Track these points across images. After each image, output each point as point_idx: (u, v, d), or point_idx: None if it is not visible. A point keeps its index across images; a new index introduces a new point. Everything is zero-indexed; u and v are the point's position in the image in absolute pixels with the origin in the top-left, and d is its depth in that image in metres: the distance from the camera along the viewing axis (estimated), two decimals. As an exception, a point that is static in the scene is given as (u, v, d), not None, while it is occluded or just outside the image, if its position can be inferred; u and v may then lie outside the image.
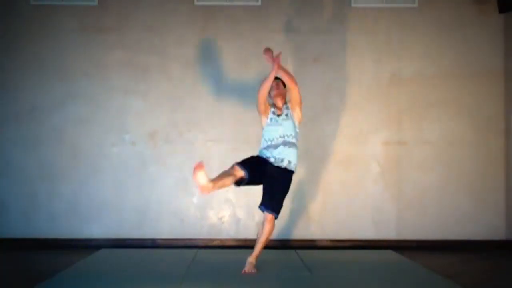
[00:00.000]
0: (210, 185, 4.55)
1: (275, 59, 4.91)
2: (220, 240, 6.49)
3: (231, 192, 6.50)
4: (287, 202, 6.39)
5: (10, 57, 6.53)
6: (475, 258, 5.89)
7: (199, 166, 4.53)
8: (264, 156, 4.96)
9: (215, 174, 6.48)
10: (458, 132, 6.57)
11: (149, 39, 6.58)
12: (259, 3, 6.61)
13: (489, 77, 6.59)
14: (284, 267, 5.39)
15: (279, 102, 5.08)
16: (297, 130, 5.04)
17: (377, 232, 6.49)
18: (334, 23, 6.60)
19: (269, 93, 5.06)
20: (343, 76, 6.58)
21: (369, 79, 6.59)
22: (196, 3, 6.61)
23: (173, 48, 6.58)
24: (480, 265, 5.60)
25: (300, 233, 6.48)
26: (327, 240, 6.48)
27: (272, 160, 4.93)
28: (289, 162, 4.94)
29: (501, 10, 6.46)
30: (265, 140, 5.02)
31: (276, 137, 4.95)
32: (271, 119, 5.02)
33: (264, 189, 4.96)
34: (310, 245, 6.40)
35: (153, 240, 6.46)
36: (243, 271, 4.84)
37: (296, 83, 5.01)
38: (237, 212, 6.51)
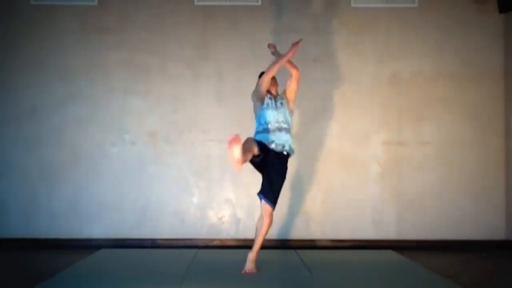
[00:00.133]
0: (241, 160, 4.45)
1: (295, 45, 5.05)
2: (220, 240, 6.49)
3: (231, 192, 6.51)
4: (288, 202, 6.43)
5: (10, 57, 6.54)
6: (475, 258, 5.89)
7: (236, 139, 4.36)
8: (265, 141, 4.94)
9: (215, 174, 6.53)
10: (458, 132, 6.57)
11: (149, 39, 6.58)
12: (259, 3, 6.62)
13: (489, 77, 6.59)
14: (284, 267, 5.39)
15: (273, 92, 5.20)
16: (290, 119, 5.12)
17: (377, 232, 6.49)
18: (334, 23, 6.60)
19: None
20: (343, 76, 6.58)
21: (369, 79, 6.59)
22: (196, 3, 6.61)
23: (173, 48, 6.58)
24: (480, 265, 5.60)
25: (300, 233, 6.48)
26: (327, 240, 6.48)
27: (273, 146, 4.93)
28: (288, 148, 5.00)
29: (501, 10, 6.47)
30: (260, 123, 5.03)
31: (272, 122, 4.98)
32: (267, 104, 5.06)
33: (264, 176, 4.97)
34: (310, 245, 6.40)
35: (153, 240, 6.46)
36: (243, 271, 4.85)
37: (299, 76, 5.21)
38: (237, 212, 6.51)
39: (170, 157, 6.53)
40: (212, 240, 6.49)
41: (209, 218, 6.52)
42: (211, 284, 4.57)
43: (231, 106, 6.52)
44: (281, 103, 5.10)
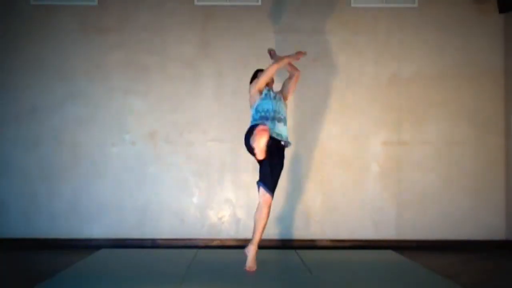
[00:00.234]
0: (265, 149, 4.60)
1: (300, 54, 5.20)
2: (220, 240, 6.49)
3: (231, 192, 6.51)
4: (288, 202, 6.43)
5: (10, 57, 6.54)
6: (475, 258, 5.89)
7: (266, 130, 4.54)
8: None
9: (215, 174, 6.53)
10: (458, 132, 6.57)
11: (149, 39, 6.58)
12: (259, 3, 6.62)
13: (489, 77, 6.59)
14: (284, 267, 5.39)
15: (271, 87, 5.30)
16: (286, 113, 5.17)
17: (377, 232, 6.49)
18: (334, 23, 6.60)
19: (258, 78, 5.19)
20: (343, 76, 6.58)
21: (369, 79, 6.59)
22: (196, 3, 6.61)
23: (173, 48, 6.58)
24: (480, 265, 5.60)
25: (300, 233, 6.48)
26: (327, 240, 6.48)
27: (274, 135, 4.95)
28: (285, 139, 5.05)
29: (501, 10, 6.46)
30: (258, 111, 5.06)
31: (270, 110, 5.02)
32: (265, 94, 5.11)
33: (263, 164, 4.96)
34: (310, 245, 6.40)
35: (153, 240, 6.46)
36: (246, 268, 4.88)
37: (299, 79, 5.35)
38: (237, 212, 6.51)
39: (170, 157, 6.53)
40: (212, 240, 6.49)
41: (209, 218, 6.52)
42: (211, 284, 4.57)
43: (231, 106, 6.52)
44: (279, 97, 5.18)
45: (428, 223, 6.49)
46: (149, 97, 6.56)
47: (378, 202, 6.52)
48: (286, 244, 6.41)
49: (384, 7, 6.63)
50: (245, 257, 5.02)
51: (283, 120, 5.08)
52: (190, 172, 6.54)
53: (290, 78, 5.35)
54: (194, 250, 6.09)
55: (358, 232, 6.49)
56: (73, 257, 5.59)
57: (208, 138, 6.55)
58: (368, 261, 5.55)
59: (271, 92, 5.16)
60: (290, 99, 5.52)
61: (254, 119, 5.08)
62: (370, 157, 6.55)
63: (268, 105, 5.05)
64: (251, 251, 4.97)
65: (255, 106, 5.11)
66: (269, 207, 4.94)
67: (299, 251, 6.02)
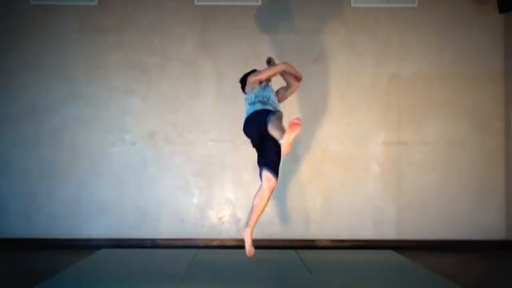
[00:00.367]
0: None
1: (299, 80, 5.14)
2: (220, 240, 6.49)
3: (231, 192, 6.51)
4: (288, 202, 6.42)
5: (10, 57, 6.53)
6: (475, 258, 5.89)
7: (299, 123, 4.29)
8: (264, 109, 4.86)
9: (215, 174, 6.53)
10: (458, 132, 6.57)
11: (149, 39, 6.58)
12: (259, 3, 6.61)
13: (489, 77, 6.59)
14: (284, 267, 5.39)
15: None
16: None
17: (377, 232, 6.49)
18: (334, 23, 6.60)
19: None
20: (343, 76, 6.58)
21: (369, 79, 6.59)
22: (196, 3, 6.61)
23: (173, 48, 6.58)
24: (480, 265, 5.60)
25: (300, 233, 6.48)
26: (327, 240, 6.48)
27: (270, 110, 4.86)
28: None
29: (501, 10, 6.46)
30: (257, 96, 4.94)
31: (266, 97, 4.92)
32: (265, 86, 5.04)
33: (265, 149, 4.83)
34: (310, 245, 6.40)
35: (153, 240, 6.46)
36: (246, 253, 4.84)
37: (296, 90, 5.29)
38: (237, 212, 6.51)
39: (170, 157, 6.53)
40: (212, 240, 6.49)
41: (209, 218, 6.52)
42: (211, 284, 4.57)
43: (231, 106, 6.51)
44: (275, 95, 5.11)
45: (428, 223, 6.49)
46: (149, 97, 6.56)
47: (378, 202, 6.52)
48: (286, 244, 6.40)
49: (384, 7, 6.63)
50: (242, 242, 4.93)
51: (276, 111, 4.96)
52: (190, 172, 6.54)
53: (287, 87, 5.22)
54: (194, 250, 6.09)
55: (358, 232, 6.49)
56: (73, 257, 5.59)
57: (208, 138, 6.55)
58: (368, 261, 5.55)
59: (270, 86, 5.10)
60: (288, 100, 5.46)
61: (251, 103, 4.95)
62: (370, 157, 6.55)
63: (267, 93, 4.97)
64: (249, 234, 4.82)
65: (253, 92, 4.99)
66: (272, 190, 4.77)
67: (299, 251, 6.02)
